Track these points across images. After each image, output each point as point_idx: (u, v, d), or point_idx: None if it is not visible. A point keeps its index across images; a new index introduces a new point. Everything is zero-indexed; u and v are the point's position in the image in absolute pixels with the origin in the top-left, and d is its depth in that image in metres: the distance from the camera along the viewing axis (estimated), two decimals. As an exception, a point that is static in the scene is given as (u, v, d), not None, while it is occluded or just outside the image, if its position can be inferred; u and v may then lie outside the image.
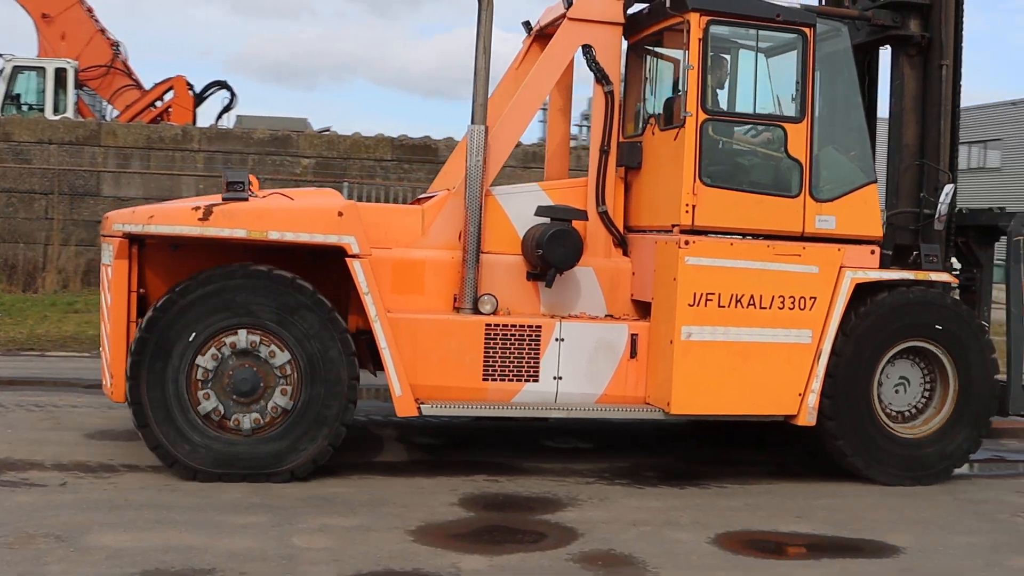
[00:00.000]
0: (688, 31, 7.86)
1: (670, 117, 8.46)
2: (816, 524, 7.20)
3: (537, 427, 9.95)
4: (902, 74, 8.91)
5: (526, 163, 20.96)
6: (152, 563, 5.70)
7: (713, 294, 7.88)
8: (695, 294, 7.84)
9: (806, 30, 8.04)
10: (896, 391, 8.42)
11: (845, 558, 6.54)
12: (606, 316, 8.36)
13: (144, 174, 20.37)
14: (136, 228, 7.47)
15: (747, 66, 8.41)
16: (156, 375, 7.36)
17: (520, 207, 8.30)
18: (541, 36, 9.29)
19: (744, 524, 7.11)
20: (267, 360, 7.51)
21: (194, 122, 24.37)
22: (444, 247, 8.17)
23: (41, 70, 24.38)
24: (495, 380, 7.96)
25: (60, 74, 24.26)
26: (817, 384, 8.02)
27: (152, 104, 24.90)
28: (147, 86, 25.61)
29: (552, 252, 7.89)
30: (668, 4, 7.96)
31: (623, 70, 8.83)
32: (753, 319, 7.95)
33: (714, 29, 7.96)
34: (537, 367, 8.02)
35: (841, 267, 8.08)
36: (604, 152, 8.49)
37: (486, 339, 7.94)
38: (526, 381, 8.01)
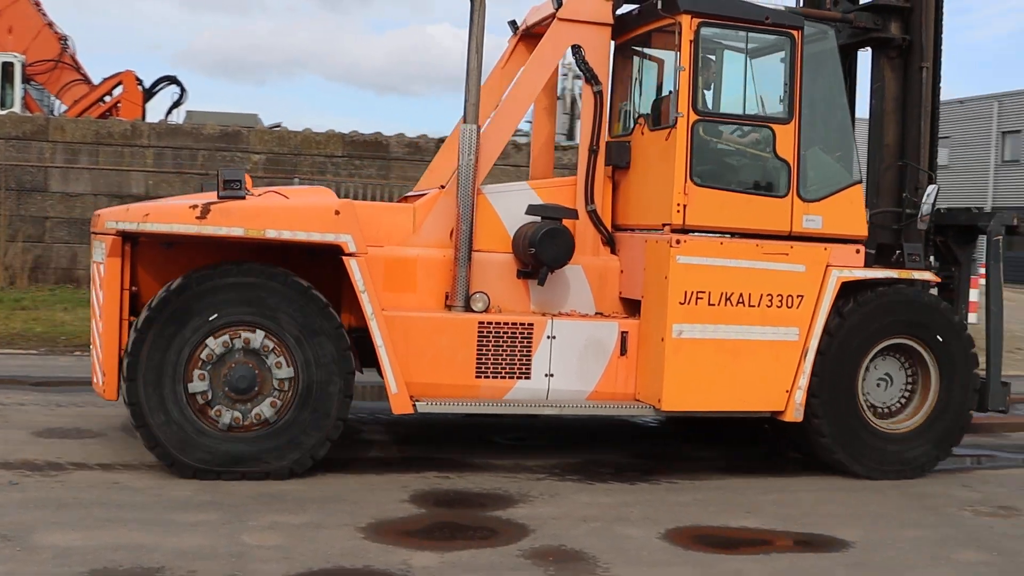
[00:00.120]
0: (680, 33, 8.15)
1: (658, 117, 8.75)
2: (766, 519, 7.38)
3: (488, 423, 10.07)
4: (883, 76, 9.29)
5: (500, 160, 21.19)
6: (101, 562, 5.74)
7: (703, 292, 8.17)
8: (686, 292, 8.13)
9: (794, 32, 8.36)
10: (880, 387, 8.78)
11: (794, 552, 6.73)
12: (596, 314, 8.63)
13: (93, 170, 20.31)
14: (131, 226, 7.58)
15: (731, 67, 8.73)
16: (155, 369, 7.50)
17: (510, 206, 8.54)
18: (527, 35, 9.55)
19: (694, 519, 7.28)
20: (271, 369, 7.69)
21: (143, 117, 24.31)
22: (435, 245, 8.39)
23: (-12, 64, 24.23)
24: (488, 377, 8.19)
25: (7, 68, 24.09)
26: (804, 381, 8.35)
27: (101, 99, 24.80)
28: (96, 81, 25.50)
29: (545, 250, 8.13)
30: (660, 6, 8.22)
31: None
32: (742, 317, 8.25)
33: (704, 31, 8.26)
34: (529, 364, 8.27)
35: (827, 266, 8.41)
36: (593, 151, 8.75)
37: (479, 337, 8.17)
38: (518, 378, 8.25)
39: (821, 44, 8.69)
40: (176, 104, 25.39)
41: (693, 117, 8.18)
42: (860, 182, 8.64)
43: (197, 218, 7.49)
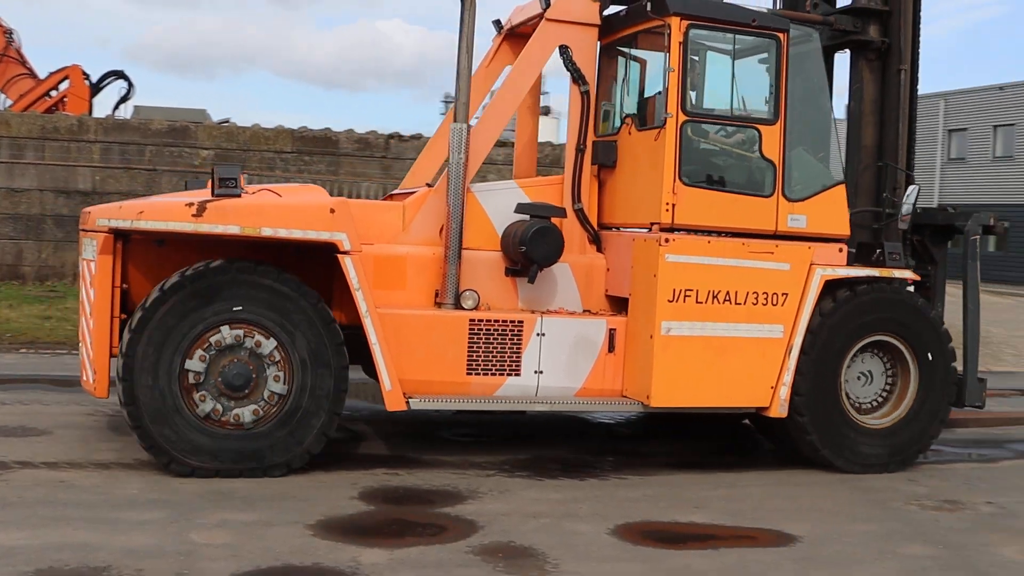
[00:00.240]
0: (669, 34, 8.45)
1: (644, 117, 9.06)
2: (714, 514, 7.56)
3: (437, 419, 10.26)
4: (861, 78, 9.69)
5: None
6: (46, 561, 5.76)
7: (691, 290, 8.49)
8: (674, 290, 8.44)
9: (780, 35, 8.71)
10: (861, 383, 9.16)
11: (743, 547, 6.89)
12: (584, 311, 8.92)
13: (39, 165, 20.23)
14: (124, 224, 7.74)
15: (715, 68, 9.06)
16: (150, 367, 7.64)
17: (498, 204, 8.80)
18: (511, 35, 9.82)
19: (643, 515, 7.43)
20: (268, 379, 7.87)
21: (90, 112, 24.22)
22: (425, 243, 8.63)
23: (-69, 58, 24.02)
24: (478, 374, 8.45)
25: (-49, 63, 23.91)
26: (788, 377, 8.69)
27: (47, 94, 24.66)
28: (42, 75, 25.33)
29: (535, 249, 8.41)
30: (649, 8, 8.53)
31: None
32: (729, 314, 8.58)
33: (693, 33, 8.58)
34: (519, 361, 8.53)
35: (811, 264, 8.76)
36: (580, 151, 9.04)
37: (470, 334, 8.42)
38: (508, 375, 8.51)
39: (806, 46, 9.04)
40: (123, 99, 25.33)
41: (682, 118, 8.49)
42: (843, 182, 9.01)
43: (193, 216, 7.64)
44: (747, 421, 10.31)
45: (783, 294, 8.70)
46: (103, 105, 31.60)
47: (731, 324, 8.60)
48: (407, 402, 8.15)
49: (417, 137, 22.07)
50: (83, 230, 8.36)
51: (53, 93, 24.88)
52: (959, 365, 9.42)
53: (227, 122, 22.86)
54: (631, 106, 9.46)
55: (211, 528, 6.54)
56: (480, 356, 8.46)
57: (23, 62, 25.28)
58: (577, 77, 9.01)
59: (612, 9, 9.15)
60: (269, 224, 7.76)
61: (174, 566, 5.82)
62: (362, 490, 7.63)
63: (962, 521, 7.78)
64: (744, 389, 8.70)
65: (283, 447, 7.83)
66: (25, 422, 9.26)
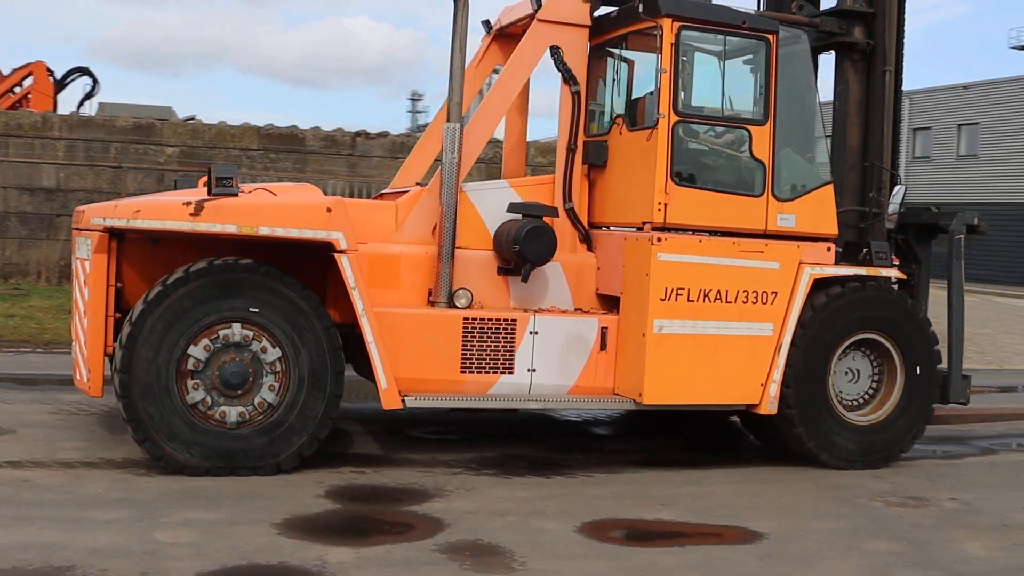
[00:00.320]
0: (661, 36, 8.66)
1: (634, 118, 9.27)
2: (680, 511, 7.68)
3: (404, 417, 10.26)
4: (846, 79, 9.94)
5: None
6: (9, 561, 5.76)
7: (683, 289, 8.70)
8: (666, 289, 8.65)
9: (770, 36, 8.94)
10: (848, 379, 9.41)
11: (709, 544, 7.02)
12: (576, 310, 9.11)
13: (2, 162, 20.25)
14: (120, 222, 7.85)
15: (706, 69, 9.27)
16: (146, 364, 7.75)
17: (490, 203, 8.98)
18: (500, 35, 10.01)
19: (610, 512, 7.54)
20: (262, 385, 8.02)
21: (55, 109, 24.25)
22: (418, 242, 8.79)
23: None
24: (472, 372, 8.62)
25: (-89, 58, 23.76)
26: (778, 374, 8.92)
27: (11, 90, 24.62)
28: (5, 71, 25.26)
29: (530, 248, 8.58)
30: (641, 9, 8.73)
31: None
32: (720, 313, 8.80)
33: (684, 34, 8.79)
34: (512, 359, 8.71)
35: (800, 263, 9.00)
36: (571, 150, 9.24)
37: (464, 332, 8.59)
38: (502, 373, 8.69)
39: (794, 47, 9.28)
40: (88, 96, 25.34)
41: (674, 118, 8.69)
42: (831, 182, 9.25)
43: (191, 215, 7.76)
44: (735, 417, 10.55)
45: (773, 293, 8.93)
46: (68, 102, 31.64)
47: (722, 322, 8.81)
48: (403, 400, 8.31)
49: (384, 135, 22.22)
50: (76, 229, 8.47)
51: (17, 90, 24.86)
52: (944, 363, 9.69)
53: (193, 119, 22.96)
54: (621, 106, 9.66)
55: (176, 527, 6.59)
56: (474, 354, 8.62)
57: (-14, 58, 25.23)
58: (568, 78, 9.20)
59: (602, 10, 9.35)
60: (266, 223, 7.89)
61: (139, 565, 5.86)
62: (328, 489, 7.70)
63: (926, 517, 7.95)
64: (734, 386, 8.92)
65: (257, 455, 7.94)
66: (-12, 423, 9.28)
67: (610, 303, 9.16)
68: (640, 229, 8.86)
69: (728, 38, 9.03)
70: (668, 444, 10.16)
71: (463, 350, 8.59)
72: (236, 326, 7.91)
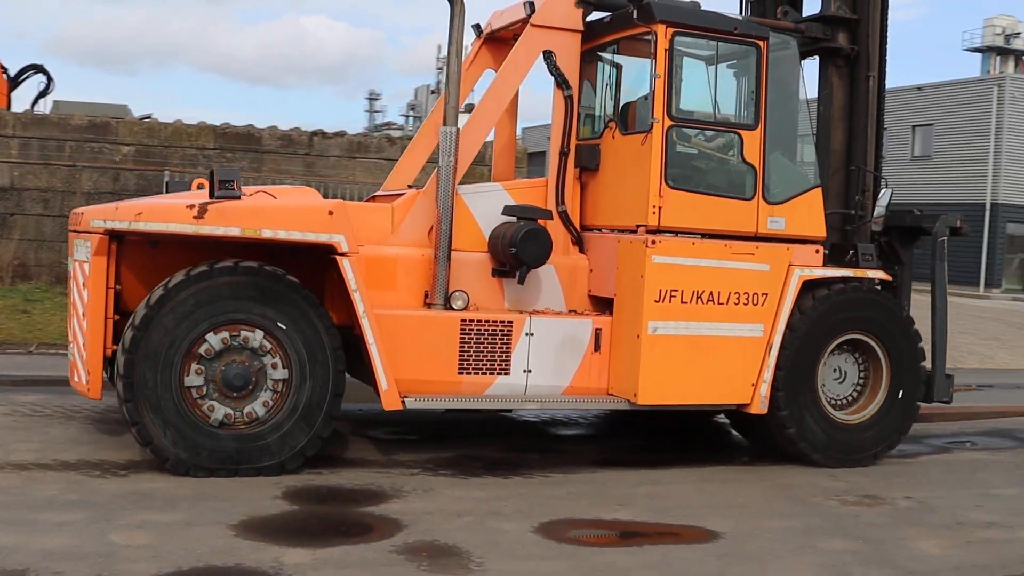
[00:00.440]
0: (655, 41, 8.95)
1: (626, 122, 9.57)
2: (637, 511, 7.84)
3: (361, 418, 10.51)
4: (831, 84, 10.31)
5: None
6: None
7: (676, 291, 9.00)
8: (660, 291, 8.95)
9: (760, 42, 9.28)
10: (836, 379, 9.78)
11: (666, 544, 7.17)
12: (570, 311, 9.39)
13: (-45, 161, 20.23)
14: (122, 225, 8.01)
15: (698, 74, 9.59)
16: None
17: (485, 206, 9.24)
18: (491, 39, 10.28)
19: (568, 512, 7.68)
20: (259, 394, 8.23)
21: (8, 107, 24.01)
22: (414, 244, 9.03)
23: None
24: (469, 373, 8.87)
25: None
26: (768, 375, 9.26)
27: (-37, 87, 24.47)
28: (-42, 68, 25.15)
29: (526, 250, 8.85)
30: (635, 15, 9.03)
31: None
32: (712, 314, 9.12)
33: (677, 40, 9.10)
34: (508, 361, 8.98)
35: (790, 265, 9.34)
36: (564, 154, 9.52)
37: (461, 334, 8.84)
38: (498, 374, 8.95)
39: (783, 53, 9.61)
40: (43, 94, 25.13)
41: (668, 122, 9.00)
42: (820, 186, 9.61)
43: (194, 218, 7.95)
44: (723, 416, 10.88)
45: (763, 294, 9.26)
46: (22, 100, 31.30)
47: (714, 323, 9.13)
48: (403, 401, 8.55)
49: (341, 134, 22.36)
50: (74, 231, 8.60)
51: (-31, 87, 24.69)
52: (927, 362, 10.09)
53: (149, 118, 22.91)
54: (612, 110, 9.95)
55: (131, 529, 6.63)
56: (471, 356, 8.88)
57: (-61, 55, 25.03)
58: (561, 82, 9.47)
59: (594, 15, 9.64)
60: (269, 226, 8.09)
61: (94, 568, 5.90)
62: (285, 490, 7.78)
63: (881, 516, 8.15)
64: (726, 386, 9.24)
65: (221, 457, 8.05)
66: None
67: (602, 305, 9.45)
68: (634, 232, 9.14)
69: (719, 44, 9.35)
70: (626, 444, 10.38)
71: (461, 351, 8.84)
72: (259, 332, 8.13)
